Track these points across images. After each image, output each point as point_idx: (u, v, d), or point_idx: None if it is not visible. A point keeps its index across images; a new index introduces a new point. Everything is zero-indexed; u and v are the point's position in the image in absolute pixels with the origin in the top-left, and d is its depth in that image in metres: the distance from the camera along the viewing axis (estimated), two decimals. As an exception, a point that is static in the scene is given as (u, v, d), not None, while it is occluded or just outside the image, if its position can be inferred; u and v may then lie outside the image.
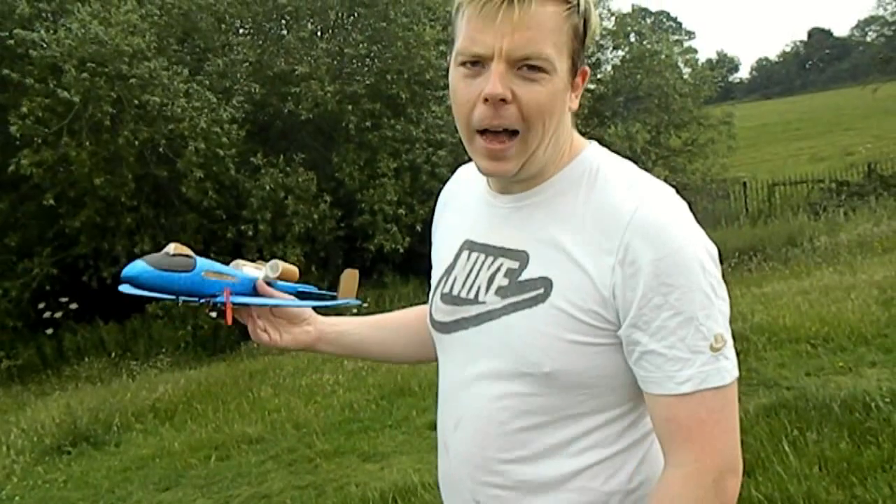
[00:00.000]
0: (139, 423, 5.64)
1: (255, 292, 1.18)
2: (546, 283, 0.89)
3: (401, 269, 10.99)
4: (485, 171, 0.94)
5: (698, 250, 0.86)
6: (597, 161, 0.94)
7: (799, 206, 12.89)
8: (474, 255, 0.99)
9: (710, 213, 13.70)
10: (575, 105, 0.92)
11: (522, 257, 0.93)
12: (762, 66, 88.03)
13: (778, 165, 20.47)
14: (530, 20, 0.83)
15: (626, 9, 17.32)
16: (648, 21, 22.80)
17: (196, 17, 11.34)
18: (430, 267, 1.14)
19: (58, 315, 9.31)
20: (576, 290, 0.87)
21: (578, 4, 0.87)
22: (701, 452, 0.85)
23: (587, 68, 0.92)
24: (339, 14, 12.04)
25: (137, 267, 1.07)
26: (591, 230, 0.88)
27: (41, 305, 9.30)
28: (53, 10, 9.79)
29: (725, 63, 75.71)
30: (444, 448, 1.01)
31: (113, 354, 9.25)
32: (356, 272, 1.37)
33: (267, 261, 1.25)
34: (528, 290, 0.90)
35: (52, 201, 9.17)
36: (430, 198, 10.97)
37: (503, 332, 0.92)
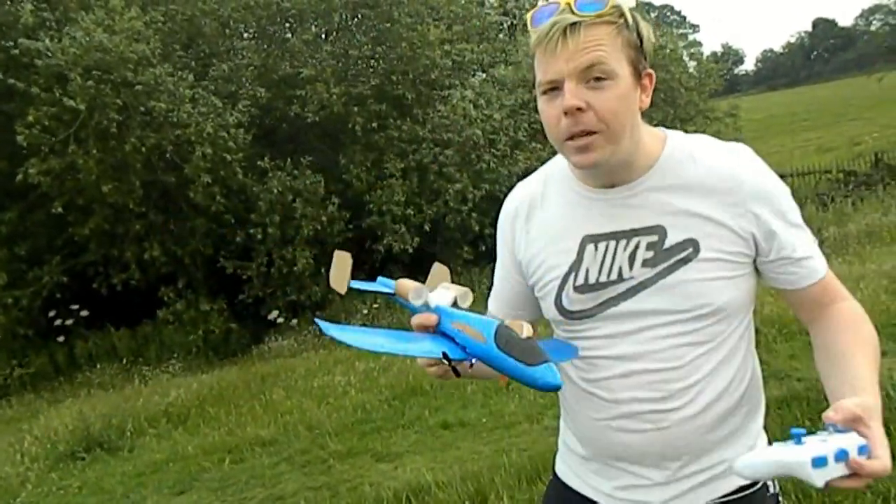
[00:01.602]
0: (152, 427, 5.68)
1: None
2: (693, 243, 1.12)
3: (410, 269, 10.99)
4: (577, 165, 1.12)
5: (781, 182, 1.16)
6: (685, 142, 1.17)
7: (807, 198, 12.79)
8: (602, 244, 1.15)
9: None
10: (646, 104, 1.12)
11: (660, 230, 1.13)
12: (767, 58, 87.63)
13: (785, 157, 20.34)
14: (585, 43, 1.04)
15: (630, 3, 17.12)
16: (653, 15, 22.73)
17: (200, 23, 11.36)
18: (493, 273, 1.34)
19: (69, 323, 9.36)
20: (719, 240, 1.11)
21: (626, 21, 1.07)
22: (851, 297, 1.17)
23: (651, 71, 1.12)
24: (343, 16, 12.04)
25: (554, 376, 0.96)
26: (712, 193, 1.11)
27: (52, 313, 9.35)
28: (57, 19, 9.82)
29: (730, 56, 75.44)
30: (608, 399, 1.17)
31: (124, 360, 9.28)
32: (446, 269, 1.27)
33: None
34: (678, 253, 1.12)
35: (60, 209, 9.19)
36: (438, 197, 10.97)
37: (668, 291, 1.12)
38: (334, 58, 11.31)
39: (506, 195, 1.34)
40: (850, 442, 0.89)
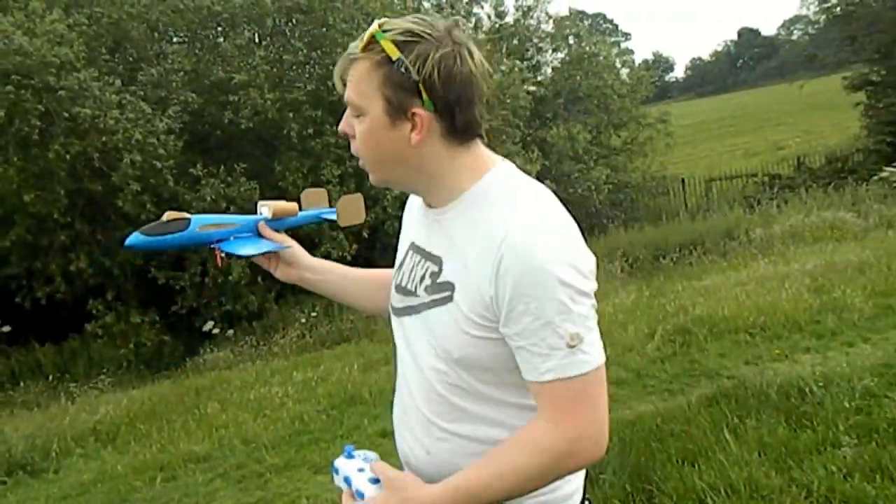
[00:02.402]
0: (79, 447, 5.44)
1: (257, 233, 1.39)
2: (451, 287, 1.09)
3: (349, 276, 10.90)
4: None
5: (557, 267, 1.01)
6: (496, 184, 1.11)
7: (735, 200, 13.29)
8: (415, 256, 1.19)
9: (651, 209, 14.03)
10: (415, 142, 1.07)
11: (439, 262, 1.13)
12: (696, 66, 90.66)
13: (714, 161, 21.08)
14: (348, 76, 1.10)
15: (564, 12, 17.55)
16: (586, 23, 23.20)
17: (127, 26, 11.03)
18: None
19: (-11, 339, 8.92)
20: (469, 295, 1.06)
21: (387, 57, 1.05)
22: (563, 419, 1.04)
23: (419, 111, 1.06)
24: (277, 21, 11.88)
25: (132, 238, 1.27)
26: (479, 245, 1.06)
27: (-29, 330, 8.90)
28: (-26, 22, 9.39)
29: (661, 63, 77.83)
30: (403, 407, 1.23)
31: (50, 377, 8.88)
32: (358, 196, 1.57)
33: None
34: (442, 291, 1.10)
35: (-22, 220, 8.79)
36: (376, 204, 10.90)
37: (427, 323, 1.13)
38: (268, 63, 11.14)
39: None
40: (363, 483, 1.11)
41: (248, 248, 1.34)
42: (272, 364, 7.78)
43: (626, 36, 59.03)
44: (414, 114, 1.06)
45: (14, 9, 9.13)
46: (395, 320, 1.24)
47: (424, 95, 1.05)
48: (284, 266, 1.42)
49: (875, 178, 11.74)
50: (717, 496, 2.65)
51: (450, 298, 1.08)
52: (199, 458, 4.65)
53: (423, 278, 1.14)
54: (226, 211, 10.10)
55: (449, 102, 1.06)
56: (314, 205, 1.53)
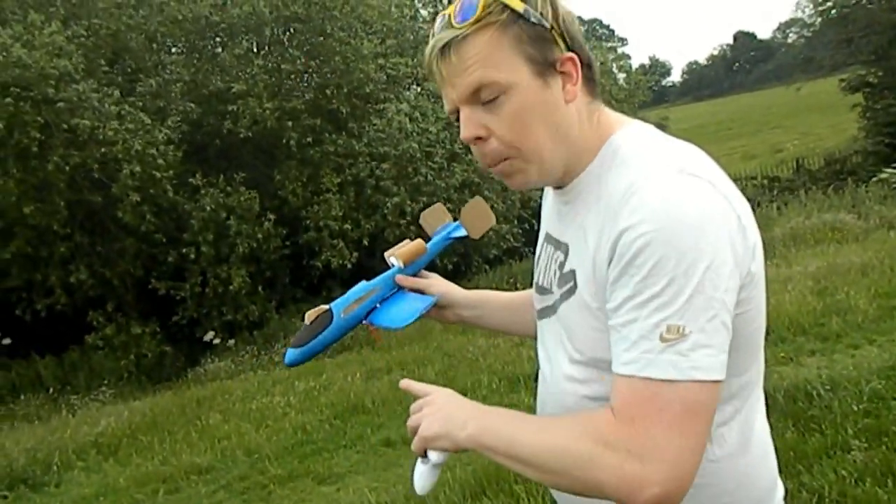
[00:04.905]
0: (81, 460, 5.41)
1: (398, 287, 1.28)
2: (574, 276, 0.92)
3: (350, 284, 10.76)
4: (513, 189, 1.00)
5: (684, 238, 0.79)
6: (621, 145, 0.92)
7: (735, 204, 13.25)
8: (549, 246, 1.03)
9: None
10: (573, 93, 0.91)
11: (565, 249, 0.96)
12: (693, 70, 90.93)
13: (713, 165, 21.04)
14: (463, 62, 0.88)
15: None
16: (582, 29, 23.32)
17: (126, 38, 11.04)
18: None
19: (-11, 352, 8.89)
20: (591, 283, 0.88)
21: (513, 12, 0.88)
22: (637, 423, 0.79)
23: (570, 54, 0.90)
24: (275, 30, 11.90)
25: (289, 356, 1.19)
26: (599, 219, 0.88)
27: (-29, 343, 8.87)
28: (-28, 35, 9.39)
29: (658, 68, 78.09)
30: None
31: (51, 390, 8.84)
32: (478, 200, 1.42)
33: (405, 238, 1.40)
34: (567, 282, 0.93)
35: (-23, 233, 8.77)
36: (376, 211, 10.91)
37: (561, 322, 0.96)
38: (266, 72, 11.15)
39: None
40: None
41: (401, 316, 1.22)
42: (274, 374, 7.75)
43: (623, 41, 59.26)
44: (567, 59, 0.90)
45: (13, 21, 9.14)
46: (538, 325, 1.07)
47: (559, 41, 0.90)
48: (440, 311, 1.29)
49: (874, 179, 11.73)
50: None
51: (573, 290, 0.91)
52: (202, 469, 4.62)
53: (555, 271, 0.98)
54: (226, 220, 10.08)
55: (577, 40, 0.91)
56: (438, 224, 1.40)
